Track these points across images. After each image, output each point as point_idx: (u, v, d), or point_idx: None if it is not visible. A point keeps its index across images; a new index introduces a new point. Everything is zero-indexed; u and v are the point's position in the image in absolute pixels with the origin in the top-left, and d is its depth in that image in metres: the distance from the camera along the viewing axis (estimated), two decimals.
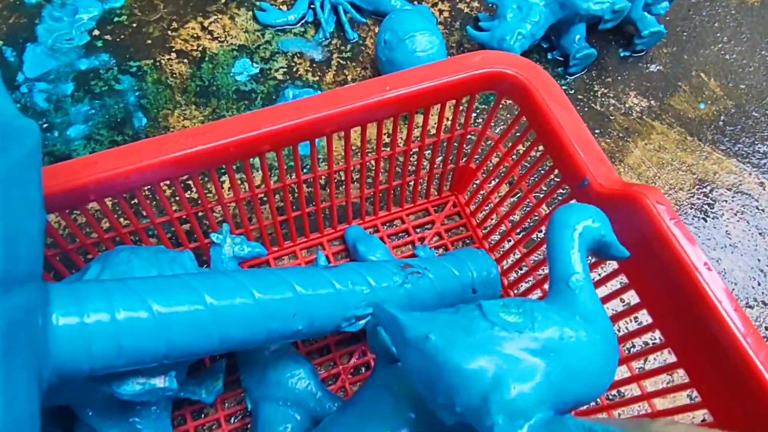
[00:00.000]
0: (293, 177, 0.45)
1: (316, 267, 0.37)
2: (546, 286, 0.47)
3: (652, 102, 0.63)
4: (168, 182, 0.53)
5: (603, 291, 0.43)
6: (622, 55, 0.65)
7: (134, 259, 0.37)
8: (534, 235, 0.52)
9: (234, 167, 0.43)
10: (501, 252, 0.52)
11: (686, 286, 0.34)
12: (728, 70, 0.66)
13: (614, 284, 0.42)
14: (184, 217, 0.43)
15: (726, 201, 0.57)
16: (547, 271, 0.50)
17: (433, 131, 0.48)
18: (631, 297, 0.50)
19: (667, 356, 0.49)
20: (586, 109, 0.62)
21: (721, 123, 0.62)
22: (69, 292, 0.27)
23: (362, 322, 0.37)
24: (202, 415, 0.44)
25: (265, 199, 0.54)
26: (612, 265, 0.46)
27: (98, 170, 0.36)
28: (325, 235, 0.53)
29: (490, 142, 0.48)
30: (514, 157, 0.46)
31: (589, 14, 0.59)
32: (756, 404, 0.31)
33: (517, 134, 0.45)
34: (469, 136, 0.55)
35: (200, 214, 0.52)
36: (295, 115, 0.39)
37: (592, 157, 0.39)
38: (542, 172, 0.44)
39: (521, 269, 0.50)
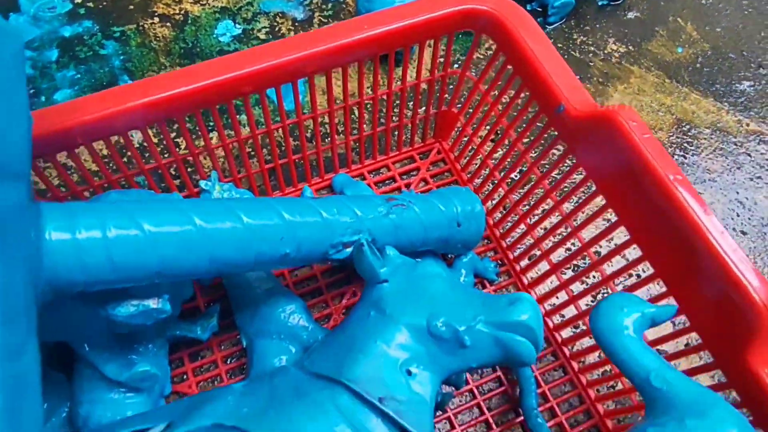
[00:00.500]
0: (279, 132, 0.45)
1: (302, 198, 0.38)
2: (529, 220, 0.48)
3: (630, 48, 0.64)
4: (157, 131, 0.54)
5: (581, 217, 0.44)
6: (600, 3, 0.66)
7: (124, 200, 0.38)
8: (514, 175, 0.53)
9: (222, 123, 0.44)
10: (485, 193, 0.53)
11: (659, 195, 0.35)
12: (705, 14, 0.67)
13: (592, 208, 0.43)
14: (173, 171, 0.44)
15: (705, 138, 0.58)
16: (527, 207, 0.51)
17: (414, 77, 0.48)
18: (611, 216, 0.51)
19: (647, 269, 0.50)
20: (565, 57, 0.63)
21: (698, 65, 0.63)
22: (61, 209, 0.28)
23: (348, 249, 0.38)
24: (199, 357, 0.46)
25: (252, 153, 0.55)
26: (591, 188, 0.48)
27: (85, 113, 0.37)
28: (312, 184, 0.54)
29: (471, 87, 0.49)
30: (494, 94, 0.47)
31: None
32: (736, 310, 0.32)
33: (496, 75, 0.46)
34: (450, 86, 0.56)
35: (189, 170, 0.53)
36: (276, 55, 0.40)
37: (567, 84, 0.40)
38: (521, 109, 0.45)
39: (505, 208, 0.52)
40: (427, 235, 0.42)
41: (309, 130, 0.56)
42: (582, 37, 0.64)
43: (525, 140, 0.51)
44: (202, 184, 0.47)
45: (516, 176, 0.53)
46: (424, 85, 0.49)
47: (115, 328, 0.35)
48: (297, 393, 0.32)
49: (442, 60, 0.48)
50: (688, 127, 0.59)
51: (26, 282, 0.23)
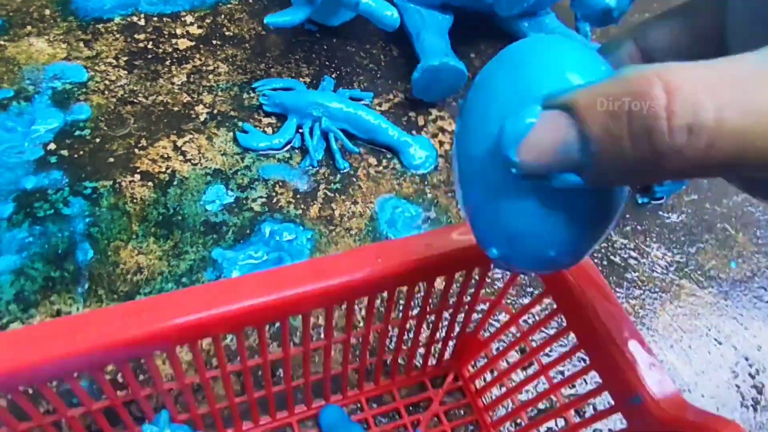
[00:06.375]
0: (256, 358, 0.35)
1: None
2: None
3: (678, 257, 0.56)
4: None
5: None
6: (639, 201, 0.59)
7: None
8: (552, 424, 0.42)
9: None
10: None
11: None
12: (756, 225, 0.60)
13: None
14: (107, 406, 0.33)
15: None
16: None
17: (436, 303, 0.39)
18: None
19: None
20: (604, 262, 0.54)
21: (755, 285, 0.55)
22: None
23: None
24: None
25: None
26: None
27: None
28: (294, 413, 0.42)
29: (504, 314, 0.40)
30: (535, 340, 0.38)
31: None
32: None
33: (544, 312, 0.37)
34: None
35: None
36: (260, 291, 0.30)
37: (646, 366, 0.30)
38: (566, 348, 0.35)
39: None
40: None
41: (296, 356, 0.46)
42: (621, 239, 0.56)
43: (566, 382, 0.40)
44: (146, 430, 0.35)
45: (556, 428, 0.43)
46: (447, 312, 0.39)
47: None
48: None
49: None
50: (755, 368, 0.49)
51: None
